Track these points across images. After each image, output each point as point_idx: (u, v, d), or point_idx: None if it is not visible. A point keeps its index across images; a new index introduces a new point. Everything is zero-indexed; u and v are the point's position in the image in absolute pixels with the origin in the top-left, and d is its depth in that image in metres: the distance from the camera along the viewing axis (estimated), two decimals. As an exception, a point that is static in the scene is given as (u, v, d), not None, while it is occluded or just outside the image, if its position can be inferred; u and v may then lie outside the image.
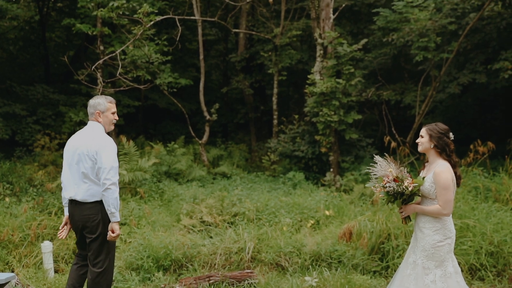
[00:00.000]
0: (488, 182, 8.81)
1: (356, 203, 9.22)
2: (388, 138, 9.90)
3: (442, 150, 4.61)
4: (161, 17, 11.43)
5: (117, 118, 4.87)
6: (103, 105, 4.77)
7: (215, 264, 6.97)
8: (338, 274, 6.55)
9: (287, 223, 8.04)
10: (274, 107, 14.40)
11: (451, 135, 4.66)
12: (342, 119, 11.24)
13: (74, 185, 4.69)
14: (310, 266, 6.90)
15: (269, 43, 15.25)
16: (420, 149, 4.74)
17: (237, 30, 15.95)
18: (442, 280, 4.52)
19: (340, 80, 11.13)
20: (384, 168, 4.61)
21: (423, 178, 4.62)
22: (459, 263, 6.63)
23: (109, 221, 4.65)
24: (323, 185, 11.20)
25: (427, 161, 4.79)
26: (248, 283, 6.46)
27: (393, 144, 9.65)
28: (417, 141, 4.75)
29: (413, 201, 4.71)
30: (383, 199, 4.70)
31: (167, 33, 15.08)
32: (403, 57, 14.03)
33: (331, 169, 11.43)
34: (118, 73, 10.99)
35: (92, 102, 4.79)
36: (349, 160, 11.60)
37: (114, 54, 11.20)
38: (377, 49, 13.60)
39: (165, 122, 17.75)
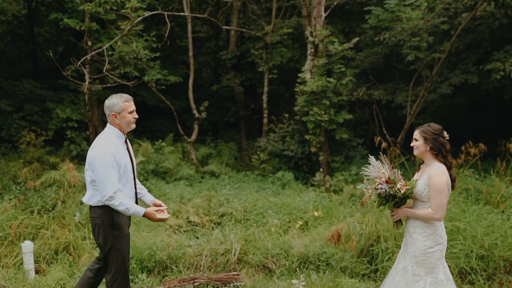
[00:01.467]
0: (479, 184, 8.72)
1: (346, 204, 9.10)
2: (378, 138, 9.79)
3: (439, 151, 4.47)
4: (150, 13, 11.23)
5: (136, 116, 4.59)
6: (117, 106, 4.51)
7: (200, 266, 6.80)
8: (326, 277, 6.42)
9: (275, 224, 7.89)
10: (265, 105, 14.25)
11: (445, 134, 4.52)
12: (333, 118, 11.11)
13: (87, 189, 4.64)
14: (297, 268, 6.76)
15: (260, 41, 15.10)
16: (416, 153, 4.59)
17: (227, 28, 15.79)
18: (432, 287, 4.39)
19: (331, 79, 11.00)
20: (377, 170, 4.48)
21: (416, 180, 4.49)
22: (449, 267, 6.54)
23: (111, 228, 4.53)
24: (312, 185, 11.07)
25: (423, 163, 4.66)
26: (234, 286, 6.31)
27: (383, 144, 9.53)
28: (412, 145, 4.60)
29: (405, 204, 4.58)
30: (375, 201, 4.56)
31: (157, 29, 14.89)
32: (395, 57, 13.92)
33: (321, 169, 11.30)
34: (105, 69, 10.79)
35: (107, 103, 4.56)
36: (339, 160, 11.48)
37: (101, 50, 11.00)
38: (368, 48, 13.48)
39: (154, 120, 17.54)
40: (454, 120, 14.12)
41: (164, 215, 4.63)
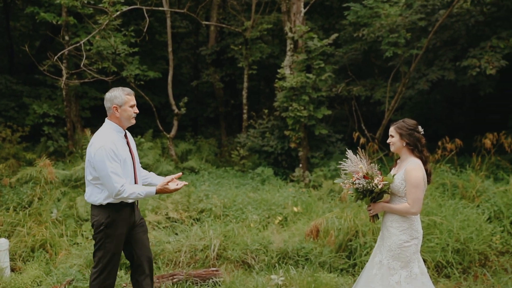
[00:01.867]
0: (455, 179, 8.85)
1: (325, 199, 9.16)
2: (357, 134, 9.86)
3: (414, 146, 4.52)
4: (128, 7, 11.12)
5: (137, 111, 4.51)
6: (120, 98, 4.42)
7: (179, 262, 6.79)
8: (304, 272, 6.46)
9: (255, 220, 7.91)
10: (244, 101, 14.23)
11: (420, 129, 4.58)
12: (312, 114, 11.15)
13: (86, 186, 4.59)
14: (276, 264, 6.78)
15: (239, 37, 15.06)
16: (392, 149, 4.65)
17: (207, 23, 15.71)
18: (407, 281, 4.45)
19: (310, 75, 11.03)
20: (355, 164, 4.51)
21: (393, 175, 4.53)
22: (425, 261, 6.64)
23: (104, 227, 4.48)
24: (292, 180, 11.10)
25: (399, 159, 4.71)
26: (213, 282, 6.30)
27: (362, 140, 9.60)
28: (388, 141, 4.65)
29: (382, 199, 4.62)
30: (352, 196, 4.58)
31: (136, 24, 14.73)
32: (374, 53, 14.02)
33: (300, 165, 11.34)
34: (82, 64, 10.65)
35: (108, 95, 4.46)
36: (318, 155, 11.54)
37: (78, 45, 10.86)
38: (348, 44, 13.55)
39: (133, 116, 17.37)
40: (432, 116, 14.29)
41: (179, 184, 4.49)
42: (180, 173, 4.73)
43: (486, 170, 9.43)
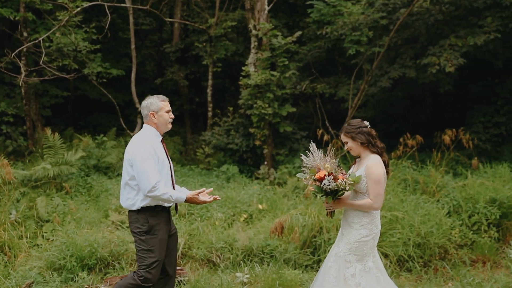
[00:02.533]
0: (417, 174, 9.04)
1: (290, 196, 9.21)
2: (321, 131, 9.94)
3: (368, 142, 4.60)
4: (89, 3, 10.90)
5: (173, 116, 4.70)
6: (155, 105, 4.61)
7: (143, 262, 6.71)
8: (269, 269, 6.49)
9: (220, 218, 7.89)
10: (209, 99, 14.18)
11: (366, 123, 4.66)
12: (277, 111, 11.20)
13: (121, 192, 4.66)
14: (242, 261, 6.80)
15: (204, 34, 14.99)
16: (353, 153, 4.74)
17: (170, 20, 15.57)
18: (361, 274, 4.54)
19: (275, 73, 11.07)
20: (321, 162, 4.51)
21: (353, 173, 4.58)
22: (387, 255, 6.77)
23: (145, 233, 4.55)
24: (257, 178, 11.13)
25: (359, 156, 4.78)
26: (178, 281, 6.26)
27: (326, 137, 9.70)
28: (346, 149, 4.73)
29: (343, 196, 4.67)
30: (314, 193, 4.59)
31: (98, 21, 14.46)
32: (337, 51, 14.16)
33: (265, 162, 11.38)
34: (41, 61, 10.39)
35: (144, 103, 4.66)
36: (283, 153, 11.59)
37: (37, 41, 10.59)
38: (311, 42, 13.64)
39: (96, 114, 17.08)
40: (394, 113, 14.55)
41: (207, 198, 4.64)
42: (211, 189, 4.86)
43: (445, 165, 9.66)
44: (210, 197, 4.65)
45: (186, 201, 4.53)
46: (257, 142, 11.37)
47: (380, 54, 11.22)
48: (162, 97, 4.69)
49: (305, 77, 13.56)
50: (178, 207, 4.89)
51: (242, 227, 7.66)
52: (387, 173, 4.64)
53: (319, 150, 4.62)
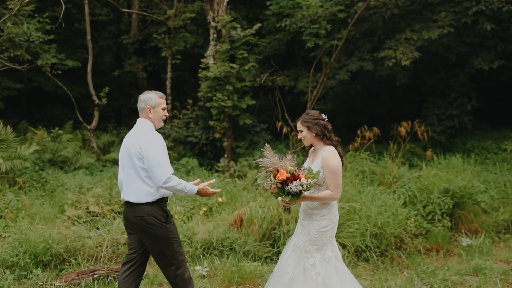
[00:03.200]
0: (374, 166, 9.20)
1: (249, 189, 9.22)
2: (280, 123, 9.98)
3: (323, 134, 4.63)
4: (42, -7, 10.56)
5: (167, 114, 4.76)
6: (153, 100, 4.64)
7: (101, 257, 6.60)
8: (229, 262, 6.49)
9: (179, 212, 7.83)
10: (168, 91, 14.01)
11: (324, 116, 4.69)
12: (236, 104, 11.18)
13: (126, 186, 4.59)
14: (201, 254, 6.77)
15: (162, 26, 14.78)
16: (305, 143, 4.75)
17: (128, 11, 15.29)
18: (321, 263, 4.59)
19: (234, 65, 11.03)
20: (277, 160, 4.48)
21: (311, 168, 4.58)
22: (345, 246, 6.87)
23: (164, 223, 4.52)
24: (217, 171, 11.09)
25: (311, 149, 4.80)
26: (136, 276, 6.18)
27: (285, 129, 9.75)
28: (299, 137, 4.73)
29: None
30: (277, 195, 4.47)
31: (52, 10, 14.04)
32: (297, 44, 14.23)
33: (225, 155, 11.35)
34: (-8, 52, 10.02)
35: (142, 97, 4.69)
36: (243, 145, 11.59)
37: (-13, 31, 10.20)
38: (271, 35, 13.66)
39: (51, 107, 16.63)
40: (352, 106, 14.75)
41: (215, 189, 4.73)
42: (213, 180, 4.87)
43: (402, 157, 9.87)
44: (216, 189, 4.78)
45: (197, 192, 4.56)
46: (217, 135, 11.33)
47: (338, 47, 11.33)
48: (160, 93, 4.71)
49: (265, 69, 13.57)
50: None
51: (201, 220, 7.63)
52: (342, 163, 4.68)
53: (274, 151, 4.56)
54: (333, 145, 4.64)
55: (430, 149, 10.39)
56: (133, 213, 4.53)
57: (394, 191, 8.30)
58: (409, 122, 9.92)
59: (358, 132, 9.82)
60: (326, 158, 4.54)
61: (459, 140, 12.25)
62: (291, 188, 4.34)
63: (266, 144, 4.65)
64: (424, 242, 7.51)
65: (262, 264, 6.64)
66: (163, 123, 4.76)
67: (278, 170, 4.42)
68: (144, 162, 4.42)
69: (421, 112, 12.47)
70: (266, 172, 4.49)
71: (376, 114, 14.42)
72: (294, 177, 4.35)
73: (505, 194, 8.88)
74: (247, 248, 6.85)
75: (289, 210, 4.74)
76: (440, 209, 7.91)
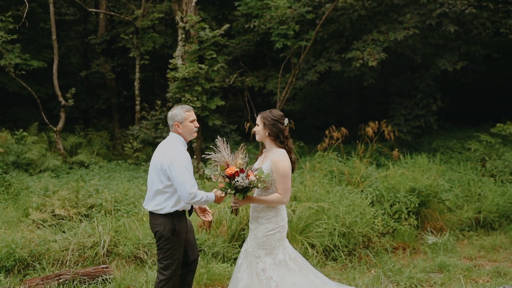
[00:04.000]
0: (342, 166, 9.28)
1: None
2: (248, 124, 9.99)
3: (276, 137, 4.59)
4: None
5: (197, 125, 4.86)
6: (180, 116, 4.76)
7: (66, 261, 6.48)
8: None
9: (147, 213, 7.73)
10: (137, 92, 13.87)
11: (285, 121, 4.65)
12: (205, 105, 11.14)
13: (148, 196, 4.82)
14: (169, 257, 6.70)
15: (130, 26, 14.61)
16: (257, 138, 4.70)
17: (94, 10, 15.06)
18: (272, 267, 4.52)
19: (203, 66, 10.99)
20: (226, 155, 4.46)
21: (262, 168, 4.53)
22: (314, 246, 6.92)
23: (171, 235, 4.68)
24: (186, 172, 11.00)
25: (264, 148, 4.77)
26: (103, 279, 6.10)
27: (253, 130, 9.74)
28: (253, 130, 4.70)
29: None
30: (224, 189, 4.46)
31: (16, 10, 13.73)
32: (266, 44, 14.26)
33: (195, 156, 11.30)
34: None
35: (169, 114, 4.84)
36: (212, 146, 11.54)
37: None
38: (240, 36, 13.67)
39: (16, 108, 16.23)
40: (321, 106, 14.88)
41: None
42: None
43: (369, 157, 10.00)
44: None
45: (214, 200, 4.72)
46: (186, 136, 11.24)
47: (306, 48, 11.41)
48: (186, 107, 4.82)
49: (234, 70, 13.57)
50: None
51: (170, 222, 7.56)
52: (292, 170, 4.63)
53: (227, 144, 4.57)
54: (286, 150, 4.60)
55: (396, 149, 10.55)
56: (150, 220, 4.83)
57: (362, 191, 8.40)
58: (376, 122, 10.05)
59: (326, 132, 9.90)
60: (275, 161, 4.49)
61: (425, 140, 12.48)
62: (237, 181, 4.33)
63: (218, 137, 4.64)
64: (391, 240, 7.62)
65: (231, 265, 6.63)
66: (195, 134, 4.87)
67: (228, 165, 4.41)
68: (171, 180, 4.60)
69: (388, 112, 12.66)
70: (215, 164, 4.51)
71: (344, 114, 14.57)
72: (242, 172, 4.35)
73: (469, 193, 9.08)
74: (216, 249, 6.84)
75: (236, 211, 4.67)
76: (407, 208, 8.05)
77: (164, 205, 4.69)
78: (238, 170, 4.35)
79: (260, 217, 4.57)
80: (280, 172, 4.46)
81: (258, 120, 4.66)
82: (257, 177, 4.36)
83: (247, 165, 4.49)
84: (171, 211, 4.68)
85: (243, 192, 4.39)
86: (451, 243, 7.68)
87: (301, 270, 4.63)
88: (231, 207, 4.67)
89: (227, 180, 4.40)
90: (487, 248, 7.73)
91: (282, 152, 4.54)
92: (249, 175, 4.34)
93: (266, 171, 4.48)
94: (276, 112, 4.67)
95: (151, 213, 4.80)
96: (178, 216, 4.73)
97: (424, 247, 7.64)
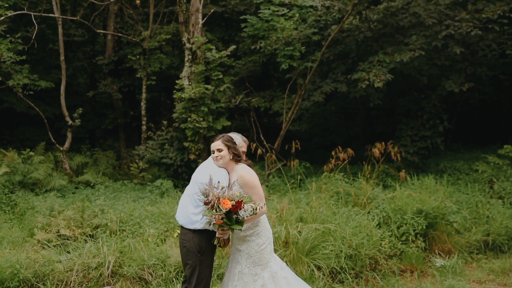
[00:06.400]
0: (348, 187, 9.22)
1: (224, 210, 9.12)
2: (254, 144, 9.98)
3: (238, 156, 4.70)
4: (13, 13, 10.46)
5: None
6: (237, 140, 4.91)
7: (71, 282, 6.44)
8: (202, 285, 6.37)
9: (152, 234, 7.70)
10: (143, 112, 13.93)
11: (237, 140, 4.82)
12: (211, 125, 11.15)
13: (180, 209, 4.88)
14: (174, 278, 6.66)
15: (138, 47, 14.76)
16: (220, 163, 4.69)
17: (102, 31, 15.23)
18: (270, 281, 4.60)
19: (209, 86, 11.04)
20: (218, 191, 4.37)
21: (249, 194, 4.51)
22: (320, 268, 6.84)
23: (197, 252, 4.70)
24: (192, 192, 10.97)
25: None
26: (107, 301, 6.04)
27: (259, 150, 9.74)
28: (215, 156, 4.68)
29: None
30: (225, 225, 4.35)
31: (26, 31, 13.91)
32: (272, 65, 14.35)
33: (201, 176, 11.26)
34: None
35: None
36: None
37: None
38: (247, 56, 13.76)
39: (23, 128, 16.34)
40: (328, 126, 14.88)
41: None
42: None
43: (376, 178, 9.93)
44: None
45: (222, 246, 4.78)
46: (192, 156, 11.26)
47: (312, 69, 11.46)
48: (244, 138, 5.02)
49: (240, 91, 13.62)
50: None
51: (175, 243, 7.50)
52: None
53: (218, 182, 4.46)
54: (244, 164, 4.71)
55: (403, 170, 10.48)
56: (181, 234, 4.87)
57: (369, 212, 8.32)
58: (383, 143, 10.01)
59: (333, 153, 9.85)
60: (241, 175, 4.58)
61: (432, 161, 12.41)
62: (242, 215, 4.31)
63: (209, 175, 4.49)
64: (398, 263, 7.52)
65: (236, 287, 6.55)
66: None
67: (219, 199, 4.30)
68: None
69: (394, 133, 12.62)
70: (209, 206, 4.34)
71: (350, 135, 14.56)
72: (238, 205, 4.30)
73: (477, 215, 8.99)
74: (222, 271, 6.77)
75: (226, 241, 4.67)
76: (414, 230, 7.96)
77: (193, 220, 4.72)
78: (235, 203, 4.28)
79: (247, 235, 4.62)
80: (250, 183, 4.56)
81: (221, 145, 4.68)
82: (250, 203, 4.37)
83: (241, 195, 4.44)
84: (199, 228, 4.70)
85: (241, 223, 4.36)
86: (460, 266, 7.57)
87: (292, 276, 4.73)
88: (217, 238, 4.55)
89: (223, 215, 4.30)
90: (496, 271, 7.61)
91: (244, 165, 4.66)
92: (242, 206, 4.30)
93: (236, 188, 4.51)
94: (228, 135, 4.80)
95: (182, 228, 4.85)
96: (208, 234, 4.72)
97: (432, 270, 7.53)
